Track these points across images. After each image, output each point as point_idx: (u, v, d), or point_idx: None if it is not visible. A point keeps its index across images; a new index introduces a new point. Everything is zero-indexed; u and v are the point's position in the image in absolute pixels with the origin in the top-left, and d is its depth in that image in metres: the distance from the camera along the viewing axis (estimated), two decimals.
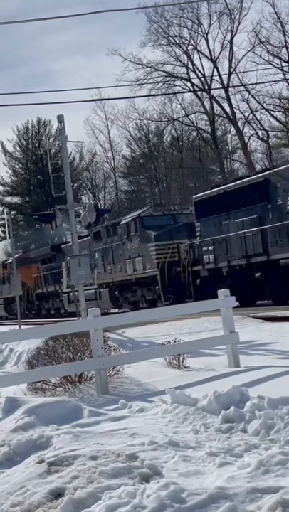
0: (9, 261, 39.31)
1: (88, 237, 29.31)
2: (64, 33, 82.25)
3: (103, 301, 28.12)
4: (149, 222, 25.46)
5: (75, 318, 17.52)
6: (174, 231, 24.66)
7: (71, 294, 29.83)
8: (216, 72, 46.40)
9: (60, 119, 16.01)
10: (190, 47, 47.22)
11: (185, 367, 9.50)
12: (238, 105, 46.49)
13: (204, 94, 47.92)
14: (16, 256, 38.34)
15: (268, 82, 42.38)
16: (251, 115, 46.08)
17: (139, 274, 25.40)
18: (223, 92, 46.04)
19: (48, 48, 79.15)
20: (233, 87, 45.24)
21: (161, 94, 47.86)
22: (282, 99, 45.03)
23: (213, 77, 46.69)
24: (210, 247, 21.93)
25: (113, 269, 27.76)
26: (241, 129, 46.98)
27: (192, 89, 47.96)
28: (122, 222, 27.11)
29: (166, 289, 23.39)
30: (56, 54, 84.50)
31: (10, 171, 65.68)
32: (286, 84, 43.72)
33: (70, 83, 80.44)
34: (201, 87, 47.64)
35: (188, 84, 47.81)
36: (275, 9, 42.59)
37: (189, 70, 47.43)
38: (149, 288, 25.19)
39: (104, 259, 28.27)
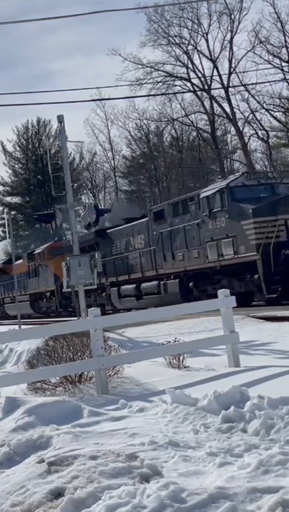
0: (37, 251, 36.94)
1: (144, 219, 25.45)
2: (63, 33, 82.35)
3: (169, 294, 22.71)
4: (242, 194, 20.11)
5: (75, 318, 17.52)
6: (276, 203, 19.25)
7: (124, 287, 26.40)
8: (215, 72, 46.47)
9: (60, 119, 16.01)
10: (190, 47, 47.31)
11: (185, 367, 9.50)
12: (238, 105, 46.57)
13: (204, 94, 47.94)
14: (47, 245, 35.61)
15: (268, 82, 42.46)
16: (251, 115, 46.14)
17: (228, 259, 20.00)
18: (223, 92, 46.10)
19: (47, 47, 79.26)
20: (233, 87, 45.30)
21: (161, 94, 47.90)
22: (282, 99, 45.09)
23: (213, 77, 46.76)
24: None
25: (186, 255, 22.05)
26: (241, 129, 47.03)
27: (192, 89, 47.99)
28: (202, 195, 21.44)
29: (270, 278, 18.36)
30: (56, 54, 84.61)
31: (10, 171, 65.81)
32: (286, 84, 43.79)
33: (69, 83, 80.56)
34: (201, 87, 47.65)
35: (188, 84, 47.87)
36: (275, 9, 42.69)
37: (189, 70, 47.49)
38: (241, 277, 19.77)
39: (170, 243, 22.94)
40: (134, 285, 25.59)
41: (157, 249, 23.80)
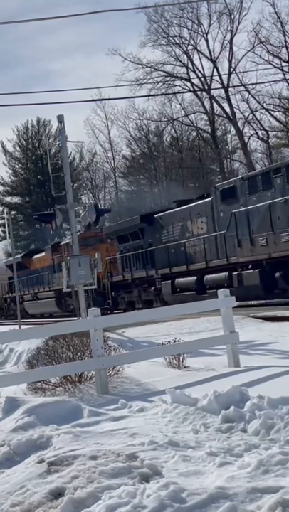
0: (65, 242, 32.50)
1: (205, 200, 21.82)
2: (63, 33, 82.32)
3: (247, 288, 19.09)
4: None
5: (75, 318, 17.52)
6: None
7: (181, 279, 22.44)
8: (215, 72, 46.49)
9: (60, 119, 16.02)
10: (190, 47, 47.33)
11: (185, 367, 9.50)
12: (238, 105, 46.59)
13: (204, 94, 47.95)
14: (78, 233, 32.23)
15: (268, 82, 42.48)
16: (251, 115, 46.17)
17: None
18: (223, 92, 46.13)
19: (46, 47, 79.26)
20: (233, 87, 45.33)
21: (161, 94, 47.92)
22: (282, 99, 45.11)
23: (213, 77, 46.79)
24: None
25: (270, 239, 18.15)
26: (241, 129, 47.05)
27: (192, 89, 48.00)
28: None
29: None
30: (55, 54, 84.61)
31: (10, 171, 65.82)
32: (286, 84, 43.79)
33: (69, 83, 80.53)
34: (200, 87, 47.67)
35: (188, 84, 47.89)
36: (275, 9, 42.71)
37: (189, 70, 47.51)
38: None
39: (246, 226, 19.10)
40: (195, 277, 21.63)
41: (228, 233, 19.79)
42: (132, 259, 26.48)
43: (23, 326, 19.97)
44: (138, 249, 26.04)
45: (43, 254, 36.05)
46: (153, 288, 24.65)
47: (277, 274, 18.04)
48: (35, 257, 38.63)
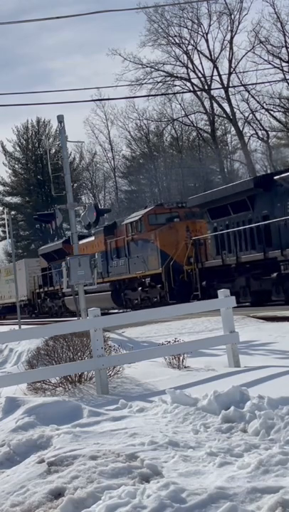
0: (128, 221, 26.06)
1: None
2: (63, 32, 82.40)
3: None
4: None
5: (75, 318, 17.52)
6: None
7: None
8: (215, 72, 46.55)
9: (60, 119, 16.01)
10: (190, 47, 47.39)
11: (185, 367, 9.50)
12: (238, 105, 46.64)
13: (204, 94, 47.97)
14: (146, 211, 24.72)
15: (268, 82, 42.52)
16: (251, 115, 46.20)
17: None
18: (223, 92, 46.18)
19: (46, 46, 79.28)
20: (233, 87, 45.36)
21: (161, 94, 47.93)
22: (282, 99, 45.13)
23: (213, 77, 46.84)
24: None
25: None
26: (241, 129, 47.08)
27: (192, 89, 48.03)
28: None
29: None
30: (55, 53, 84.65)
31: (10, 171, 65.79)
32: (286, 84, 43.80)
33: (69, 82, 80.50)
34: (200, 87, 47.70)
35: (188, 84, 47.91)
36: (275, 9, 42.78)
37: (189, 70, 47.56)
38: None
39: None
40: None
41: None
42: (237, 238, 20.21)
43: (23, 326, 19.97)
44: (246, 223, 19.76)
45: (91, 238, 30.26)
46: (276, 274, 17.99)
47: None
48: (80, 242, 33.17)
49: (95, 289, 26.57)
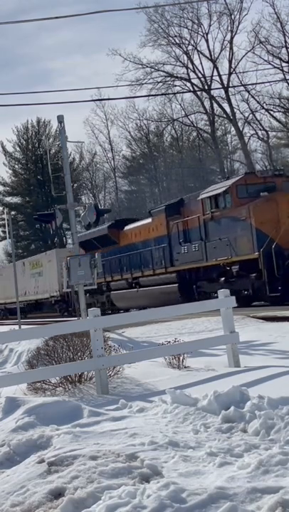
0: (206, 195, 21.13)
1: None
2: (63, 32, 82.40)
3: None
4: None
5: (75, 319, 17.52)
6: None
7: None
8: (215, 72, 46.55)
9: (60, 119, 16.02)
10: (190, 47, 47.39)
11: (185, 367, 9.50)
12: (238, 105, 46.65)
13: (204, 94, 47.98)
14: (233, 181, 19.81)
15: (268, 82, 42.54)
16: (251, 115, 46.19)
17: None
18: (223, 92, 46.18)
19: (46, 46, 79.28)
20: (233, 87, 45.36)
21: (161, 94, 47.93)
22: (282, 99, 45.13)
23: (213, 77, 46.85)
24: None
25: None
26: (241, 129, 47.07)
27: (192, 89, 48.03)
28: None
29: None
30: (55, 53, 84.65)
31: (10, 171, 65.82)
32: (286, 84, 43.81)
33: (68, 82, 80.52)
34: (200, 87, 47.70)
35: (188, 84, 47.92)
36: (274, 9, 42.79)
37: (189, 70, 47.56)
38: None
39: None
40: None
41: None
42: None
43: (23, 326, 19.96)
44: None
45: (147, 221, 25.38)
46: None
47: None
48: (130, 226, 27.15)
49: (156, 281, 23.33)
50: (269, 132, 47.04)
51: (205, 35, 46.53)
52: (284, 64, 42.94)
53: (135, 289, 25.65)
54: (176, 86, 48.13)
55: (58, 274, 33.32)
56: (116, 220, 30.08)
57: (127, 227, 27.40)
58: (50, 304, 36.25)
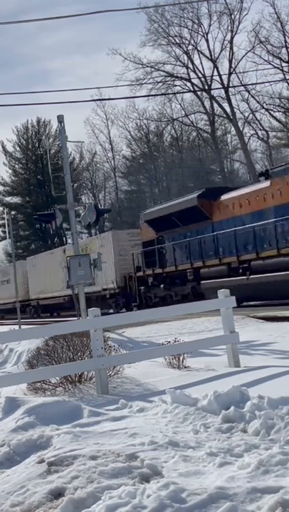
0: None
1: None
2: (62, 32, 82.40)
3: None
4: None
5: (75, 318, 17.51)
6: None
7: None
8: (216, 72, 46.58)
9: (60, 119, 16.02)
10: (190, 47, 47.41)
11: (185, 367, 9.50)
12: (238, 105, 46.69)
13: (204, 94, 47.99)
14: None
15: (268, 82, 42.57)
16: (251, 115, 46.22)
17: None
18: (223, 92, 46.19)
19: (45, 46, 79.26)
20: (233, 87, 45.39)
21: (161, 94, 47.94)
22: (282, 99, 45.14)
23: (213, 77, 46.88)
24: None
25: None
26: (241, 129, 47.08)
27: (192, 89, 48.04)
28: None
29: None
30: (54, 53, 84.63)
31: (10, 171, 65.81)
32: (286, 84, 43.82)
33: (68, 82, 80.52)
34: (201, 87, 47.71)
35: (188, 84, 47.93)
36: (275, 9, 42.84)
37: (189, 70, 47.59)
38: None
39: None
40: None
41: None
42: None
43: (23, 326, 19.97)
44: None
45: (261, 185, 19.89)
46: None
47: None
48: (231, 195, 21.36)
49: (279, 264, 17.78)
50: (269, 132, 47.12)
51: (205, 35, 46.62)
52: (284, 64, 42.97)
53: (243, 277, 19.56)
54: (176, 86, 48.22)
55: (114, 261, 27.82)
56: (206, 189, 23.29)
57: (224, 197, 21.29)
58: (102, 298, 29.62)
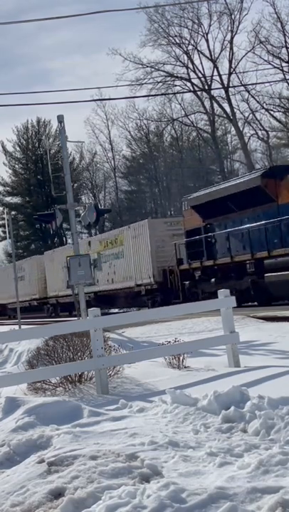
0: None
1: None
2: (62, 32, 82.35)
3: None
4: None
5: (75, 318, 17.51)
6: None
7: None
8: (216, 72, 46.59)
9: (60, 119, 16.02)
10: (190, 47, 47.41)
11: (185, 367, 9.50)
12: (238, 105, 46.69)
13: (204, 94, 48.00)
14: None
15: (268, 82, 42.58)
16: (251, 115, 46.23)
17: None
18: (223, 92, 46.20)
19: (45, 46, 79.25)
20: (233, 87, 45.40)
21: (161, 94, 47.95)
22: (282, 99, 45.15)
23: (213, 77, 46.88)
24: None
25: None
26: (241, 129, 47.09)
27: (192, 89, 48.05)
28: None
29: None
30: (54, 53, 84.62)
31: (10, 171, 65.77)
32: (286, 84, 43.82)
33: (68, 82, 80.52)
34: (201, 87, 47.72)
35: (188, 84, 47.94)
36: (275, 9, 42.82)
37: (189, 70, 47.59)
38: None
39: None
40: None
41: None
42: None
43: (23, 326, 19.96)
44: None
45: None
46: None
47: None
48: None
49: None
50: (269, 132, 47.11)
51: (205, 35, 46.62)
52: (284, 64, 42.97)
53: None
54: (176, 86, 48.22)
55: (151, 253, 25.34)
56: (272, 167, 21.17)
57: None
58: (135, 295, 27.24)
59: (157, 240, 25.61)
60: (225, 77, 46.13)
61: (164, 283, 24.74)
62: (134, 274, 26.25)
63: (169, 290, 24.11)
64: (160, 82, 47.59)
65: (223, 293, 9.53)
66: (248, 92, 45.03)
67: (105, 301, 29.33)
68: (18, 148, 64.91)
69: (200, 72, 47.22)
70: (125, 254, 27.64)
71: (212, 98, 47.62)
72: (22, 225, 64.47)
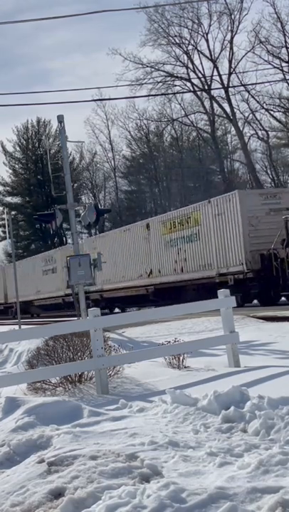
0: None
1: None
2: (61, 32, 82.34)
3: None
4: None
5: (75, 318, 17.51)
6: None
7: None
8: (215, 72, 46.59)
9: (60, 119, 16.02)
10: (190, 47, 47.42)
11: (185, 367, 9.50)
12: (238, 105, 46.71)
13: (204, 94, 48.00)
14: None
15: (268, 82, 42.61)
16: (251, 115, 46.24)
17: None
18: (223, 92, 46.20)
19: (45, 46, 79.21)
20: (233, 87, 45.41)
21: (161, 94, 47.96)
22: (282, 99, 45.16)
23: (213, 77, 46.89)
24: None
25: None
26: (241, 129, 47.08)
27: (192, 89, 48.05)
28: None
29: None
30: (54, 53, 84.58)
31: (10, 171, 65.76)
32: (286, 84, 43.83)
33: (68, 82, 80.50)
34: (201, 87, 47.72)
35: (188, 84, 47.95)
36: (275, 9, 42.86)
37: (189, 70, 47.60)
38: None
39: None
40: None
41: None
42: None
43: (23, 326, 19.96)
44: None
45: None
46: None
47: None
48: None
49: None
50: (269, 132, 47.13)
51: (205, 35, 46.64)
52: (284, 64, 43.00)
53: None
54: (176, 86, 48.23)
55: (242, 234, 21.06)
56: None
57: None
58: (216, 286, 20.87)
59: (251, 217, 20.96)
60: (225, 77, 46.20)
61: (261, 271, 20.14)
62: (215, 261, 21.68)
63: (271, 280, 19.60)
64: (160, 82, 47.67)
65: (223, 293, 9.53)
66: (248, 92, 45.11)
67: (168, 294, 24.41)
68: (18, 148, 64.95)
69: (200, 72, 47.31)
70: (202, 236, 22.79)
71: (212, 98, 47.63)
72: (22, 225, 64.45)
